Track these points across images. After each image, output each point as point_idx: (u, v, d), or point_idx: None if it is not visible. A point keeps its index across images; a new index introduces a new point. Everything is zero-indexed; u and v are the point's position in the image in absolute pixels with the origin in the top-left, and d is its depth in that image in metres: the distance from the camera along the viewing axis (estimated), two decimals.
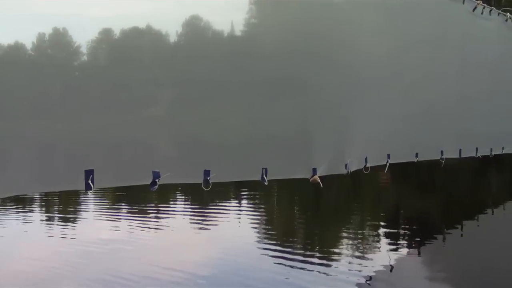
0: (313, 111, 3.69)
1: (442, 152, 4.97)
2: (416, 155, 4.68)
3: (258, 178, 3.24)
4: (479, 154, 5.54)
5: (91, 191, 2.53)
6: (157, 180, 2.70)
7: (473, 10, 5.25)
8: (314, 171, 3.55)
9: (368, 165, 4.06)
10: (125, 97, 2.99)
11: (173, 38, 3.28)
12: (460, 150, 5.24)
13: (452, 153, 5.16)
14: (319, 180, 3.54)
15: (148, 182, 2.82)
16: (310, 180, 3.56)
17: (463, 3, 5.08)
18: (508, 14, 5.87)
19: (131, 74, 3.03)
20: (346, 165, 3.82)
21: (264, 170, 3.24)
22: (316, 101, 3.70)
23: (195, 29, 3.41)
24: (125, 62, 3.03)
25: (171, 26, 3.23)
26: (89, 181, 2.56)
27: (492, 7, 5.64)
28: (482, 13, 5.38)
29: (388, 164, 4.31)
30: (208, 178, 2.94)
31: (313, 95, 3.70)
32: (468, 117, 5.43)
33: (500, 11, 5.77)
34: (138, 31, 3.08)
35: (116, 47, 3.02)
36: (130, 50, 3.05)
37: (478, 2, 5.32)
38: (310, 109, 3.67)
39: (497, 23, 5.71)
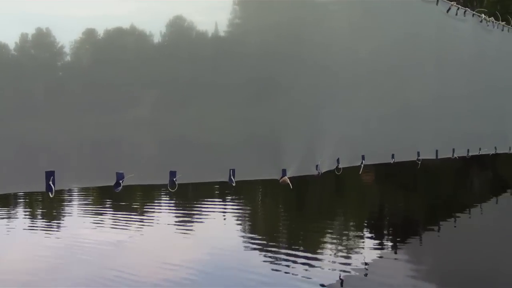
0: (285, 111, 3.70)
1: (418, 153, 4.98)
2: (392, 156, 4.69)
3: (226, 179, 3.24)
4: (455, 155, 5.57)
5: (51, 193, 2.50)
6: (121, 181, 2.70)
7: (447, 11, 5.30)
8: (284, 172, 3.56)
9: (341, 166, 4.07)
10: (109, 98, 3.01)
11: (157, 39, 3.31)
12: (436, 151, 5.27)
13: (428, 154, 5.18)
14: (288, 181, 3.53)
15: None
16: (280, 181, 3.55)
17: (437, 4, 5.13)
18: (483, 15, 5.95)
19: (115, 74, 3.05)
20: (317, 166, 3.82)
21: (231, 171, 3.24)
22: (290, 102, 3.74)
23: (179, 29, 3.45)
24: (108, 62, 3.06)
25: (155, 27, 3.27)
26: (50, 182, 2.54)
27: (467, 8, 5.71)
28: (456, 14, 5.44)
29: (362, 165, 4.31)
30: (174, 179, 2.94)
31: (287, 96, 3.73)
32: (445, 118, 5.46)
33: (474, 12, 5.84)
34: (122, 31, 3.10)
35: (99, 47, 3.05)
36: (113, 50, 3.07)
37: (452, 3, 5.38)
38: (282, 110, 3.68)
39: (472, 24, 5.77)
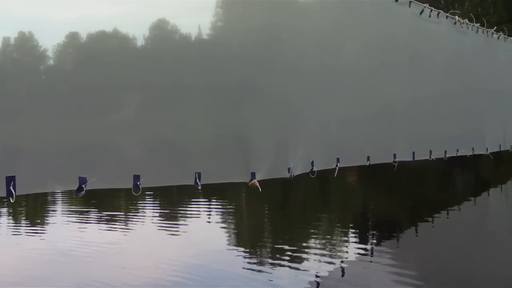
0: (254, 114, 3.70)
1: (394, 155, 5.01)
2: (368, 158, 4.71)
3: (191, 182, 3.22)
4: (433, 157, 5.61)
5: (12, 198, 2.49)
6: (83, 185, 2.69)
7: (420, 13, 5.35)
8: (253, 175, 3.55)
9: (315, 168, 4.06)
10: (92, 101, 3.01)
11: (140, 42, 3.34)
12: (413, 152, 5.31)
13: (405, 156, 5.21)
14: (257, 184, 3.52)
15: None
16: (249, 184, 3.55)
17: (409, 6, 5.18)
18: (457, 17, 6.05)
19: (98, 77, 3.05)
20: (289, 168, 3.80)
21: (197, 174, 3.22)
22: (261, 104, 3.75)
23: (162, 32, 3.48)
24: (91, 65, 3.06)
25: (138, 30, 3.29)
26: (11, 188, 2.52)
27: (440, 10, 5.77)
28: (430, 16, 5.49)
29: (337, 168, 4.31)
30: (138, 183, 2.92)
31: (259, 98, 3.75)
32: (421, 120, 5.50)
33: (448, 14, 5.94)
34: (105, 34, 3.11)
35: (82, 50, 3.04)
36: (97, 54, 3.08)
37: (424, 5, 5.44)
38: (251, 112, 3.68)
39: (446, 25, 5.84)
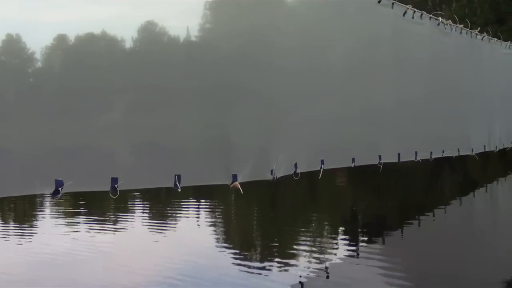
0: (237, 116, 3.70)
1: (380, 157, 5.03)
2: (353, 160, 4.72)
3: (171, 184, 3.20)
4: (418, 158, 5.63)
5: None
6: (60, 188, 2.68)
7: (404, 14, 5.39)
8: (235, 177, 3.54)
9: (299, 170, 4.05)
10: (80, 103, 3.02)
11: (128, 44, 3.35)
12: (399, 154, 5.32)
13: (390, 157, 5.22)
14: (239, 187, 3.51)
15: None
16: (230, 186, 3.54)
17: (392, 7, 5.21)
18: (440, 18, 6.11)
19: (86, 80, 3.06)
20: (272, 171, 3.81)
21: (177, 176, 3.19)
22: (244, 106, 3.75)
23: (150, 34, 3.49)
24: (80, 68, 3.07)
25: (126, 32, 3.30)
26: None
27: (423, 12, 5.81)
28: (413, 17, 5.53)
29: (322, 170, 4.31)
30: (116, 185, 2.91)
31: (243, 100, 3.76)
32: (406, 121, 5.52)
33: (431, 15, 5.97)
34: (93, 36, 3.13)
35: (71, 53, 3.05)
36: (85, 56, 3.09)
37: (407, 6, 5.48)
38: (233, 114, 3.69)
39: (429, 27, 5.87)
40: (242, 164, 3.63)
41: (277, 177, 3.83)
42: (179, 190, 3.19)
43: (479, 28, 7.26)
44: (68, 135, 2.97)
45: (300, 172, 4.05)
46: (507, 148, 8.10)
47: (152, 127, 3.31)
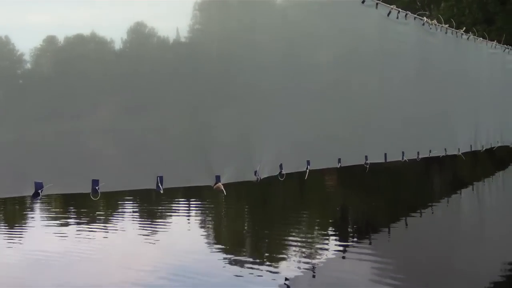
0: (220, 116, 3.71)
1: (366, 157, 5.03)
2: (339, 160, 4.72)
3: (153, 186, 3.20)
4: (405, 158, 5.65)
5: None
6: (39, 191, 2.68)
7: (388, 14, 5.41)
8: (218, 178, 3.54)
9: (284, 171, 4.05)
10: (69, 105, 3.03)
11: (118, 45, 3.37)
12: (385, 154, 5.34)
13: (377, 158, 5.23)
14: (222, 188, 3.52)
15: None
16: (214, 187, 3.54)
17: (376, 7, 5.22)
18: (425, 18, 6.12)
19: (76, 81, 3.07)
20: (256, 171, 3.80)
21: (159, 178, 3.18)
22: (227, 106, 3.76)
23: (140, 35, 3.51)
24: (69, 69, 3.09)
25: (115, 33, 3.32)
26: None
27: (408, 12, 5.83)
28: (397, 18, 5.55)
29: (307, 171, 4.30)
30: (97, 187, 2.90)
31: (226, 100, 3.76)
32: (393, 121, 5.54)
33: (416, 16, 6.00)
34: (83, 38, 3.14)
35: (60, 54, 3.07)
36: (74, 58, 3.10)
37: (392, 7, 5.51)
38: (217, 114, 3.69)
39: (415, 27, 5.90)
40: (226, 165, 3.63)
41: (261, 178, 3.83)
42: (162, 191, 3.19)
43: (464, 28, 7.31)
44: (52, 137, 2.98)
45: (286, 173, 4.06)
46: (494, 147, 8.20)
47: (135, 129, 3.33)
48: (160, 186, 3.17)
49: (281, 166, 4.05)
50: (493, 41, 8.44)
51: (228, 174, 3.61)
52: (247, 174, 3.80)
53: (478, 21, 22.83)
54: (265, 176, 3.91)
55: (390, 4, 5.59)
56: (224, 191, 3.50)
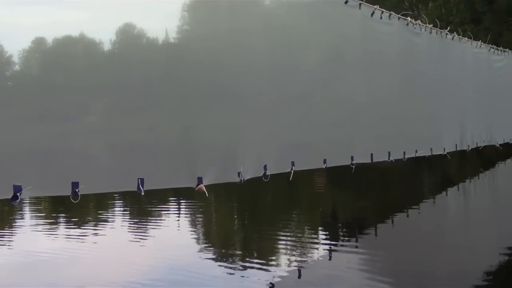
0: (203, 116, 3.70)
1: (352, 157, 5.03)
2: (324, 161, 4.71)
3: (134, 188, 3.19)
4: (391, 158, 5.66)
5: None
6: (18, 194, 2.67)
7: (371, 15, 5.44)
8: (200, 179, 3.53)
9: (269, 172, 4.05)
10: (59, 106, 3.05)
11: (107, 46, 3.39)
12: (371, 154, 5.36)
13: (363, 158, 5.25)
14: (204, 189, 3.51)
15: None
16: (196, 189, 3.53)
17: (360, 8, 5.24)
18: (409, 18, 6.18)
19: (65, 82, 3.09)
20: (239, 173, 3.80)
21: (139, 180, 3.18)
22: (209, 106, 3.76)
23: (129, 36, 3.53)
24: (58, 71, 3.10)
25: (104, 34, 3.34)
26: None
27: (391, 12, 5.86)
28: (381, 18, 5.58)
29: (292, 172, 4.29)
30: (77, 190, 2.89)
31: (208, 102, 3.76)
32: (379, 121, 5.56)
33: (400, 16, 6.03)
34: (71, 39, 3.16)
35: (49, 56, 3.08)
36: (63, 59, 3.12)
37: (375, 7, 5.53)
38: (200, 114, 3.69)
39: (399, 27, 5.92)
40: (208, 166, 3.63)
41: (245, 179, 3.83)
42: (143, 193, 3.19)
43: (448, 28, 7.40)
44: (37, 139, 2.96)
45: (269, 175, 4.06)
46: (480, 147, 8.30)
47: (117, 131, 3.34)
48: (141, 188, 3.17)
49: (265, 167, 4.06)
50: (479, 40, 8.56)
51: (211, 176, 3.62)
52: (230, 176, 3.80)
53: (466, 20, 23.10)
54: (249, 177, 3.91)
55: (379, 4, 5.62)
56: (206, 193, 3.50)
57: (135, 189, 3.19)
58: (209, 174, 3.59)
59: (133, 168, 3.24)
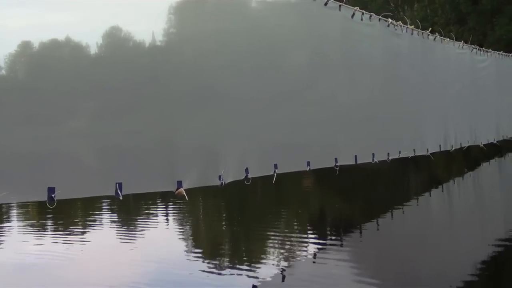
0: (181, 119, 3.70)
1: (336, 159, 5.06)
2: (308, 163, 4.71)
3: (112, 193, 3.19)
4: (376, 160, 5.72)
5: None
6: None
7: (352, 16, 5.48)
8: (179, 183, 3.53)
9: (251, 175, 4.05)
10: (45, 110, 3.07)
11: (93, 50, 3.42)
12: (355, 156, 5.40)
13: (347, 160, 5.28)
14: (184, 193, 3.50)
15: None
16: (175, 193, 3.53)
17: (340, 9, 5.27)
18: (389, 19, 6.23)
19: (52, 86, 3.11)
20: (220, 176, 3.81)
21: (117, 184, 3.17)
22: (188, 108, 3.76)
23: (115, 39, 3.56)
24: (45, 74, 3.12)
25: (91, 38, 3.37)
26: None
27: (372, 14, 5.91)
28: (362, 19, 5.63)
29: (275, 175, 4.30)
30: (53, 195, 2.88)
31: (187, 102, 3.77)
32: (362, 123, 5.60)
33: (380, 17, 6.09)
34: (58, 43, 3.18)
35: (35, 59, 3.10)
36: (50, 62, 3.14)
37: (355, 8, 5.58)
38: (179, 117, 3.68)
39: (380, 28, 5.98)
40: (188, 169, 3.63)
41: (226, 182, 3.83)
42: (121, 198, 3.19)
43: (430, 29, 7.52)
44: (17, 143, 2.95)
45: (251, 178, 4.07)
46: (464, 147, 8.40)
47: (99, 135, 3.34)
48: (119, 193, 3.17)
49: (247, 170, 4.06)
50: (461, 41, 8.70)
51: (191, 179, 3.61)
52: (210, 179, 3.81)
53: (451, 21, 23.42)
54: (230, 180, 3.92)
55: (364, 6, 5.67)
56: (186, 197, 3.50)
57: (113, 193, 3.18)
58: (188, 178, 3.59)
59: (112, 172, 3.25)
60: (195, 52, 3.89)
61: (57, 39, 3.19)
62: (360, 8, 5.71)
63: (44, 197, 2.89)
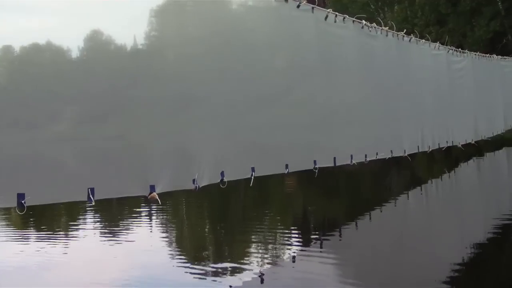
0: (153, 121, 3.71)
1: (315, 162, 5.08)
2: (286, 166, 4.73)
3: (84, 198, 3.20)
4: (354, 161, 5.76)
5: None
6: None
7: (325, 19, 5.51)
8: (152, 188, 3.53)
9: (226, 179, 4.06)
10: (26, 114, 3.09)
11: (75, 53, 3.47)
12: (334, 158, 5.43)
13: (326, 162, 5.32)
14: (157, 197, 3.52)
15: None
16: (148, 197, 3.55)
17: (312, 11, 5.29)
18: (363, 21, 6.28)
19: (32, 91, 3.14)
20: (194, 180, 3.81)
21: (89, 190, 3.17)
22: (160, 110, 3.77)
23: (97, 43, 3.60)
24: (26, 79, 3.14)
25: (72, 41, 3.41)
26: None
27: (345, 15, 5.98)
28: (335, 22, 5.66)
29: (252, 178, 4.29)
30: (23, 201, 2.86)
31: (158, 104, 3.76)
32: (339, 124, 5.64)
33: (354, 19, 6.15)
34: (39, 47, 3.21)
35: (16, 64, 3.13)
36: (31, 67, 3.17)
37: (328, 10, 5.62)
38: (151, 119, 3.69)
39: (354, 30, 6.02)
40: (160, 173, 3.63)
41: (200, 186, 3.84)
42: (93, 203, 3.21)
43: (405, 30, 7.67)
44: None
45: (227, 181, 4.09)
46: (443, 147, 8.56)
47: (71, 139, 3.36)
48: (92, 198, 3.18)
49: (222, 173, 4.07)
50: (437, 42, 8.89)
51: (164, 183, 3.62)
52: (184, 183, 3.82)
53: (431, 22, 23.81)
54: (205, 184, 3.94)
55: (345, 8, 5.74)
56: (159, 201, 3.51)
57: (85, 199, 3.20)
58: (161, 182, 3.59)
59: (84, 178, 3.25)
60: (176, 56, 3.99)
61: (38, 43, 3.24)
62: (340, 10, 5.74)
63: (14, 203, 2.85)
